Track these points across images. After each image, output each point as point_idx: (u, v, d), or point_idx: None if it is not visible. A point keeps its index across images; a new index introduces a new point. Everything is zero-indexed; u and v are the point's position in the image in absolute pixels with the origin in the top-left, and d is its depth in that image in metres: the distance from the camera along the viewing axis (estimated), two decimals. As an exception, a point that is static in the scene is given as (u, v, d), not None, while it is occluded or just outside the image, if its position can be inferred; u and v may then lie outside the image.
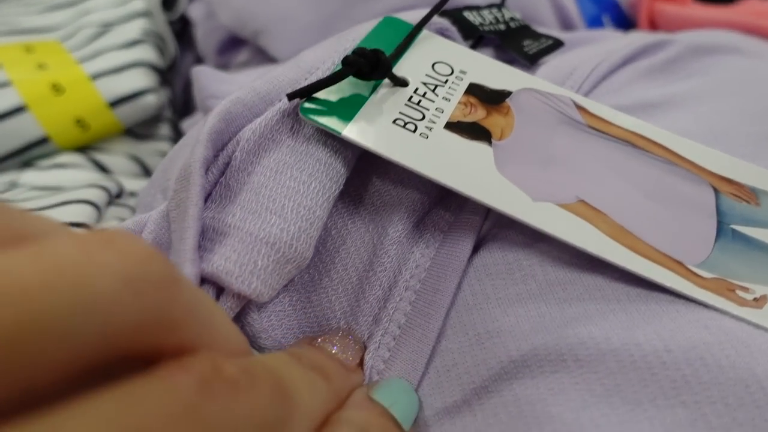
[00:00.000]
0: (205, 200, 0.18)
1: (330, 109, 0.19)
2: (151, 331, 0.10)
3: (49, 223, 0.10)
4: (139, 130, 0.36)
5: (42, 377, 0.08)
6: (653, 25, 0.37)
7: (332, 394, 0.16)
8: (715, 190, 0.19)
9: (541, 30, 0.28)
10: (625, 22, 0.38)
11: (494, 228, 0.20)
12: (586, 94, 0.23)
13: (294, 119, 0.19)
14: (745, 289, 0.17)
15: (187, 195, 0.17)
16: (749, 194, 0.19)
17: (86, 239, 0.09)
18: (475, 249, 0.20)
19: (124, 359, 0.10)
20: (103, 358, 0.09)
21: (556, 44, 0.27)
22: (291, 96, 0.19)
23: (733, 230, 0.18)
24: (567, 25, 0.34)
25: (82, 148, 0.34)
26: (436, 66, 0.22)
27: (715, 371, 0.15)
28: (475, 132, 0.20)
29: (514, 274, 0.19)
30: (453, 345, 0.18)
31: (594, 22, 0.36)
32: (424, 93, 0.20)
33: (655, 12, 0.36)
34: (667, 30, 0.34)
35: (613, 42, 0.26)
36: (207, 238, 0.17)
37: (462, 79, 0.21)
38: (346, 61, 0.19)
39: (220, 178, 0.18)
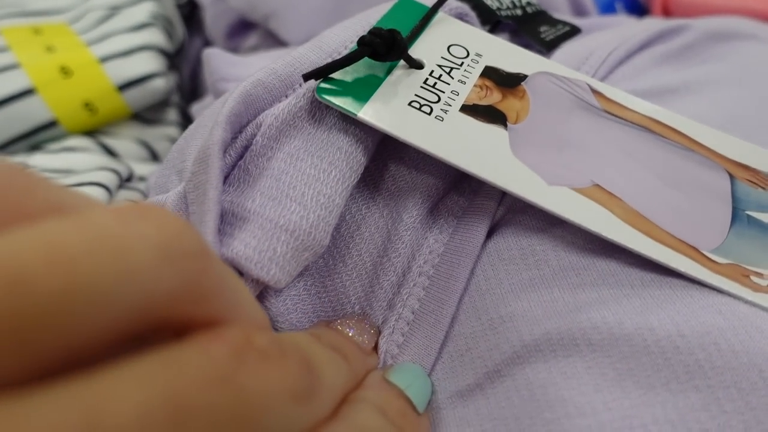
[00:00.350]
0: (223, 182, 0.18)
1: (346, 90, 0.19)
2: (185, 299, 0.10)
3: (84, 198, 0.11)
4: (146, 115, 0.36)
5: (84, 341, 0.09)
6: (667, 12, 0.37)
7: (351, 374, 0.16)
8: (731, 176, 0.19)
9: (557, 16, 0.28)
10: (638, 9, 0.38)
11: (508, 213, 0.20)
12: (602, 79, 0.24)
13: (316, 107, 0.19)
14: (760, 275, 0.17)
15: (207, 177, 0.17)
16: (765, 180, 0.19)
17: (123, 211, 0.09)
18: (489, 234, 0.20)
19: (156, 331, 0.10)
20: (139, 326, 0.10)
21: (573, 31, 0.27)
22: (306, 77, 0.19)
23: (749, 216, 0.18)
24: (580, 11, 0.34)
25: (90, 132, 0.34)
26: (451, 48, 0.22)
27: (729, 356, 0.15)
28: (491, 115, 0.20)
29: (528, 260, 0.19)
30: (466, 330, 0.18)
31: (607, 9, 0.36)
32: (440, 75, 0.20)
33: (669, -1, 0.36)
34: (682, 17, 0.34)
35: (630, 27, 0.26)
36: (226, 221, 0.18)
37: (477, 62, 0.21)
38: (361, 41, 0.19)
39: (239, 161, 0.18)
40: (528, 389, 0.16)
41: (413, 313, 0.19)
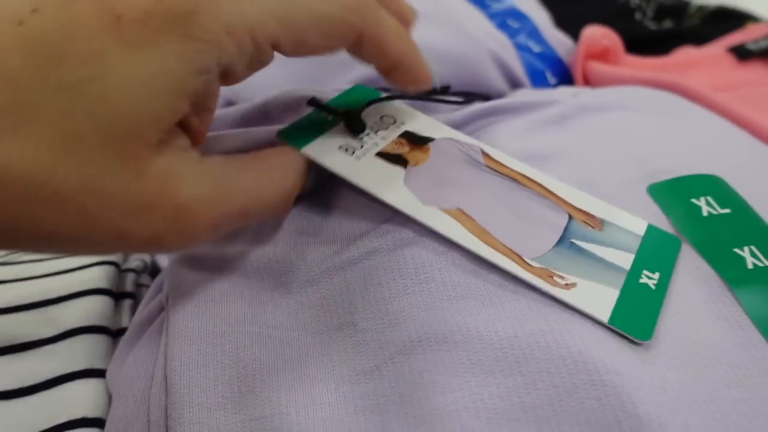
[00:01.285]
0: None
1: (302, 135, 0.28)
2: None
3: None
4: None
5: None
6: (587, 82, 0.44)
7: None
8: (570, 217, 0.27)
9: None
10: (568, 78, 0.45)
11: (407, 240, 0.27)
12: (471, 133, 0.32)
13: None
14: (561, 277, 0.24)
15: None
16: (596, 222, 0.27)
17: None
18: (393, 256, 0.26)
19: None
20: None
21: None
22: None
23: (572, 242, 0.26)
24: (513, 82, 0.42)
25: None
26: (383, 117, 0.30)
27: (545, 350, 0.21)
28: (396, 160, 0.28)
29: (419, 275, 0.24)
30: (370, 325, 0.24)
31: (538, 78, 0.43)
32: (368, 133, 0.29)
33: (587, 70, 0.44)
34: (599, 86, 0.42)
35: (502, 100, 0.35)
36: None
37: (400, 128, 0.30)
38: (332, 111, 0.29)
39: None
40: (410, 373, 0.22)
41: None
